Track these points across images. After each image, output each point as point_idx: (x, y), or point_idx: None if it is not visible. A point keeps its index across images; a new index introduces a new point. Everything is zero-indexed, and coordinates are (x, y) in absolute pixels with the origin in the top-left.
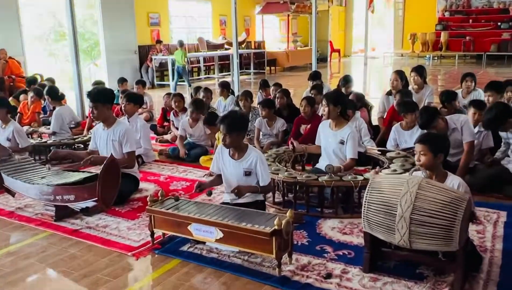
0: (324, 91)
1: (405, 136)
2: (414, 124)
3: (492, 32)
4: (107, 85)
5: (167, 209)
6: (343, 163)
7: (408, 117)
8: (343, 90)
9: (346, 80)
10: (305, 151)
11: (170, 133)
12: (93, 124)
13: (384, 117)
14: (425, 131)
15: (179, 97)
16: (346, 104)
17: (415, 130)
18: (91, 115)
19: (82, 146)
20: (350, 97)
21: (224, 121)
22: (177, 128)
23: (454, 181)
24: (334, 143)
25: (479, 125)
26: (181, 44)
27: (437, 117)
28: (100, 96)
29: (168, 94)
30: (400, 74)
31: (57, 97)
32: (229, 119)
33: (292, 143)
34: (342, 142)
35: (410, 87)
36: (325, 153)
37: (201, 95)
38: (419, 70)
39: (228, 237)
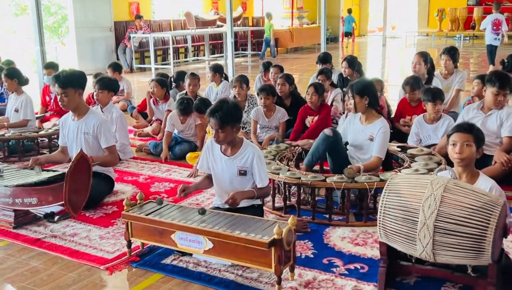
0: (334, 76)
1: (428, 131)
2: (439, 116)
3: None
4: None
5: (147, 215)
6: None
7: (431, 107)
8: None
9: (352, 63)
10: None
11: (151, 125)
12: (46, 114)
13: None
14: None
15: (157, 81)
16: (375, 94)
17: (440, 124)
18: (58, 103)
19: (47, 140)
20: None
21: (214, 115)
22: (158, 120)
23: (485, 183)
24: (362, 139)
25: None
26: (268, 15)
27: None
28: (71, 80)
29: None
30: (424, 56)
31: (23, 82)
32: (221, 111)
33: (296, 145)
34: (371, 139)
35: (437, 72)
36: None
37: (186, 82)
38: (452, 53)
39: (219, 248)
